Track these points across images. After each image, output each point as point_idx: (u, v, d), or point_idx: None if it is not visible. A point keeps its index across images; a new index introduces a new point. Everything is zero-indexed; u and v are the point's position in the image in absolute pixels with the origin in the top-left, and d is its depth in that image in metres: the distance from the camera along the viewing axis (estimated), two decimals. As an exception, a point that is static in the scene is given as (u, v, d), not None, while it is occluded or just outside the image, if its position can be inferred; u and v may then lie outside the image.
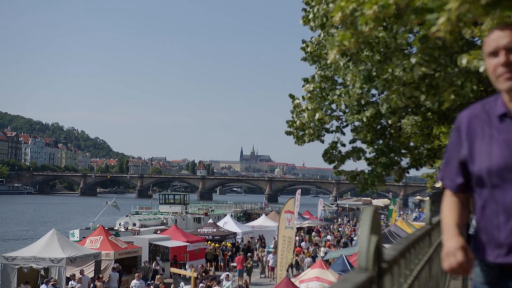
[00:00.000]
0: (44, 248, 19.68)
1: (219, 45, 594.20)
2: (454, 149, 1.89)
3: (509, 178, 1.72)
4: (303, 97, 9.78)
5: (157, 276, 20.89)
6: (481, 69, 3.76)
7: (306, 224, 43.54)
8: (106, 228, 26.92)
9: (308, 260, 26.25)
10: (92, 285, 18.79)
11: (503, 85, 1.73)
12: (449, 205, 1.91)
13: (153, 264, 23.56)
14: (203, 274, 21.52)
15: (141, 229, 35.12)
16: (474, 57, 3.99)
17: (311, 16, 7.82)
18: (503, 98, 1.81)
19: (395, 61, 6.02)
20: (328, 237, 37.77)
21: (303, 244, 32.62)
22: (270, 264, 25.81)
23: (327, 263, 19.42)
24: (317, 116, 9.07)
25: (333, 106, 9.60)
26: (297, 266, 26.34)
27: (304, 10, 8.76)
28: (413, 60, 5.52)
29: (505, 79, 1.73)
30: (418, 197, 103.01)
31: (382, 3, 4.06)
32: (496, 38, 1.75)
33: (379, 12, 4.08)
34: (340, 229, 46.87)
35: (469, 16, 3.25)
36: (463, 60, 4.44)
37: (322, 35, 8.93)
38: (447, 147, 1.97)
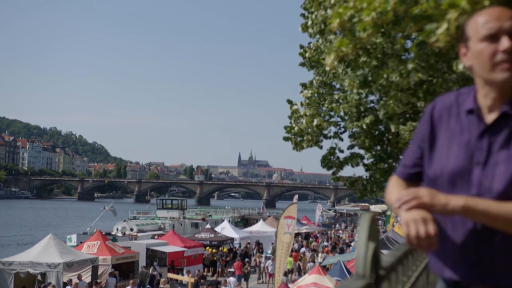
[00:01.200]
0: (41, 253, 19.62)
1: (218, 48, 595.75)
2: (417, 138, 1.69)
3: (460, 185, 1.52)
4: (301, 103, 9.79)
5: (162, 280, 20.98)
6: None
7: (304, 229, 43.51)
8: (104, 233, 26.84)
9: (310, 265, 26.25)
10: (89, 290, 18.74)
11: (500, 75, 1.47)
12: (397, 184, 1.69)
13: (151, 270, 23.50)
14: (201, 280, 21.48)
15: (139, 234, 35.06)
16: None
17: (309, 23, 7.84)
18: (476, 91, 1.58)
19: (391, 66, 6.04)
20: (325, 242, 37.73)
21: (302, 249, 32.56)
22: (269, 270, 25.76)
23: (325, 268, 19.38)
24: (315, 122, 9.08)
25: (331, 112, 9.62)
26: (299, 271, 26.42)
27: (303, 15, 8.79)
28: (410, 66, 5.54)
29: (505, 69, 1.47)
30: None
31: (380, 9, 4.08)
32: (496, 20, 1.48)
33: (377, 18, 4.10)
34: (338, 234, 46.87)
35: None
36: (459, 66, 4.45)
37: (320, 41, 8.96)
38: (414, 133, 1.75)
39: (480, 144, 1.52)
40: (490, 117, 1.53)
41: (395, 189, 1.66)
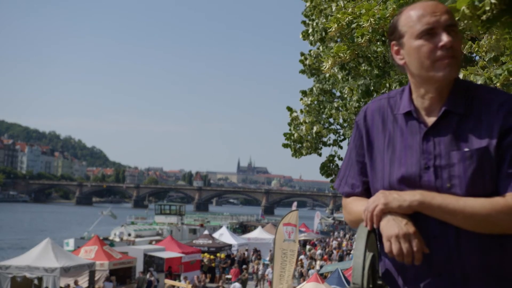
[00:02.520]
0: (38, 257, 19.56)
1: (218, 55, 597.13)
2: (354, 151, 1.56)
3: None
4: (301, 111, 9.82)
5: (166, 285, 20.89)
6: (479, 83, 3.76)
7: (302, 237, 43.40)
8: (101, 238, 26.79)
9: (311, 272, 26.26)
10: (85, 295, 18.69)
11: (441, 71, 1.38)
12: (359, 200, 1.55)
13: (148, 275, 23.44)
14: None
15: (136, 240, 35.00)
16: (470, 72, 3.99)
17: (310, 30, 7.87)
18: (410, 92, 1.48)
19: (393, 75, 6.05)
20: (321, 250, 37.60)
21: (301, 257, 32.49)
22: (269, 278, 25.70)
23: (322, 276, 19.32)
24: (315, 129, 9.09)
25: (331, 119, 9.65)
26: (299, 277, 26.54)
27: (304, 22, 8.82)
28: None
29: (445, 65, 1.38)
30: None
31: (379, 15, 4.08)
32: (431, 14, 1.39)
33: (375, 24, 4.10)
34: (336, 241, 46.78)
35: (469, 32, 3.26)
36: (460, 74, 4.46)
37: (321, 48, 9.00)
38: (348, 147, 1.61)
39: (426, 147, 1.41)
40: (429, 119, 1.44)
41: (356, 207, 1.52)
